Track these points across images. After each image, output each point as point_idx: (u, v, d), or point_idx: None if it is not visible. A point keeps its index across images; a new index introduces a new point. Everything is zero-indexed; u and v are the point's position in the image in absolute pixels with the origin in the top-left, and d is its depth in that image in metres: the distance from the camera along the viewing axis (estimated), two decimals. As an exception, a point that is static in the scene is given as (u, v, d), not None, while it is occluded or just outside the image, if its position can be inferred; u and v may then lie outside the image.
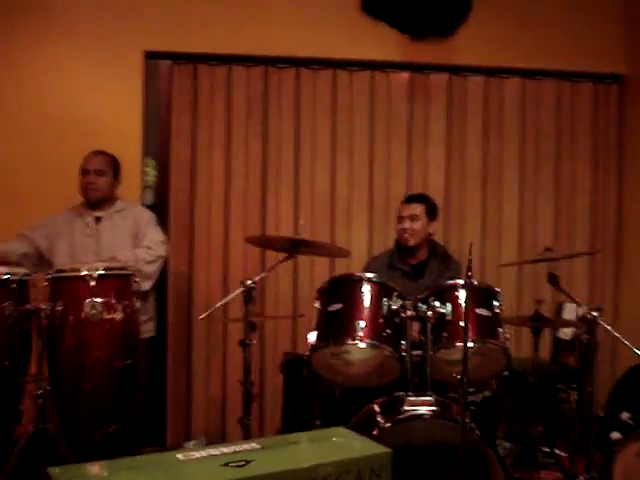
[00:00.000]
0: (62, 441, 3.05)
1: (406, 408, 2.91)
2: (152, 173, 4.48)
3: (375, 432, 2.82)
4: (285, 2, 4.24)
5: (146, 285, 3.57)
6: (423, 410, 2.86)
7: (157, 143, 4.40)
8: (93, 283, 3.04)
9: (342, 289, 3.10)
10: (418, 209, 3.73)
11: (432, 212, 3.78)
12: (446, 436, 2.82)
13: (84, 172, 3.72)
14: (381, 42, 4.25)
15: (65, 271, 3.11)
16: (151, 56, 4.19)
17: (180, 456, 2.31)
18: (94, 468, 2.23)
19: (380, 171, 4.38)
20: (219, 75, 4.26)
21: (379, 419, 2.90)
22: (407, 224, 3.70)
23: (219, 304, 3.05)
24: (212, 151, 4.27)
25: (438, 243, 3.91)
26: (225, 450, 2.37)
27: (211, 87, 4.26)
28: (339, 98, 4.35)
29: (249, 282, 2.98)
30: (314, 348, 3.04)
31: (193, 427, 4.23)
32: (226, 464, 2.22)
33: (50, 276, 3.10)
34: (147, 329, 3.69)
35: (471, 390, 3.12)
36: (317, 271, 4.24)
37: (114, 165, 3.79)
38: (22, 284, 3.14)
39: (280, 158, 4.32)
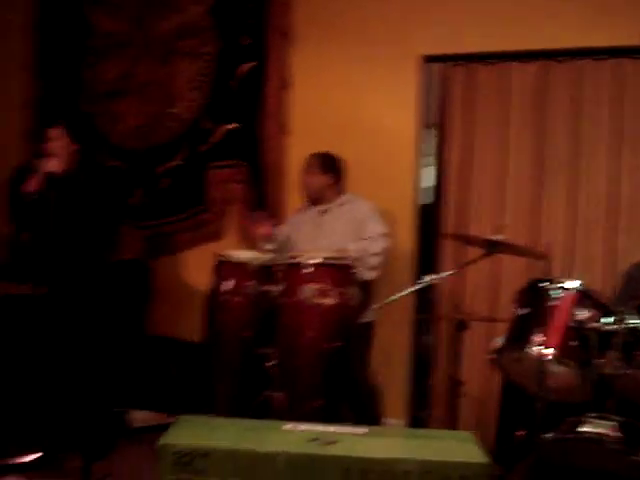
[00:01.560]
0: (284, 407, 3.46)
1: (581, 428, 2.67)
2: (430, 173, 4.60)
3: (540, 444, 2.66)
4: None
5: (370, 275, 3.77)
6: (596, 432, 2.60)
7: (433, 145, 4.51)
8: (311, 270, 3.40)
9: (534, 293, 2.95)
10: None
11: None
12: (614, 465, 2.53)
13: (303, 171, 4.08)
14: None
15: (291, 258, 3.52)
16: (428, 60, 4.34)
17: (287, 426, 2.54)
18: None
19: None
20: (494, 73, 4.22)
21: (550, 433, 2.71)
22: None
23: (394, 297, 3.13)
24: (486, 151, 4.26)
25: None
26: (329, 429, 2.52)
27: (486, 85, 4.25)
28: (627, 90, 3.97)
29: (428, 278, 3.02)
30: (499, 351, 2.96)
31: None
32: (314, 439, 2.38)
33: (283, 262, 3.55)
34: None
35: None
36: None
37: (323, 162, 4.04)
38: (264, 268, 3.64)
39: (557, 156, 4.11)
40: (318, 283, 3.37)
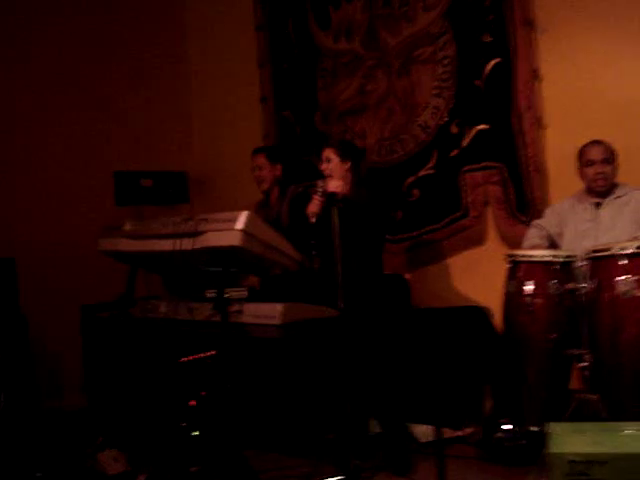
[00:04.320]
0: (605, 412, 3.27)
1: None
2: None
3: None
4: None
5: None
6: None
7: None
8: (626, 261, 3.20)
9: None
10: None
11: None
12: None
13: (590, 162, 3.80)
14: None
15: (600, 250, 3.33)
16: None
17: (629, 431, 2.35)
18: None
19: None
20: None
21: None
22: None
23: None
24: None
25: None
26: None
27: None
28: None
29: None
30: None
31: None
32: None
33: (587, 257, 3.37)
34: None
35: None
36: None
37: (614, 153, 3.81)
38: (565, 265, 3.48)
39: None
40: (635, 274, 3.17)
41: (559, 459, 2.15)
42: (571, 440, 2.25)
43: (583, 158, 3.85)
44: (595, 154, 3.80)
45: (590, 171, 3.81)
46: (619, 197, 3.83)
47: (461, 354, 3.91)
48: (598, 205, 3.85)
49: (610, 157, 3.80)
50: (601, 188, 3.81)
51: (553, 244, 3.97)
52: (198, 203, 5.71)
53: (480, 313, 3.48)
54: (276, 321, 3.37)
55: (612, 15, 4.21)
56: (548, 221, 4.05)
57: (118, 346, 3.97)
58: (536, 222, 4.11)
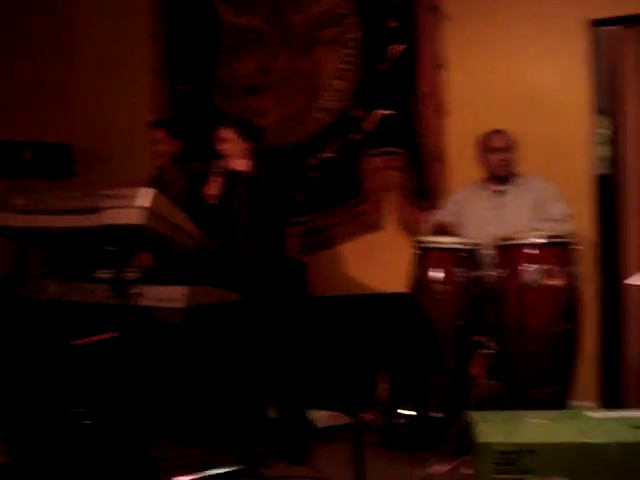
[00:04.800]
0: (506, 398, 3.32)
1: None
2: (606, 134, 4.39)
3: None
4: None
5: None
6: None
7: (606, 111, 4.31)
8: (535, 251, 3.26)
9: None
10: None
11: None
12: None
13: (492, 150, 3.87)
14: None
15: (508, 239, 3.38)
16: (597, 24, 4.14)
17: (594, 414, 2.40)
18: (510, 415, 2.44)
19: None
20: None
21: None
22: None
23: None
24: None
25: None
26: (629, 414, 2.38)
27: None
28: None
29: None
30: None
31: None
32: (637, 427, 2.24)
33: (494, 245, 3.41)
34: None
35: None
36: None
37: (514, 142, 3.90)
38: (471, 253, 3.50)
39: None
40: (544, 264, 3.23)
41: (488, 449, 2.13)
42: (495, 430, 2.24)
43: (486, 145, 3.90)
44: (498, 142, 3.87)
45: (493, 157, 3.87)
46: (522, 184, 3.90)
47: (360, 341, 3.91)
48: (501, 192, 3.90)
49: (512, 145, 3.88)
50: (503, 174, 3.87)
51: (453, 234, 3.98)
52: (84, 177, 5.38)
53: (404, 300, 3.50)
54: (180, 304, 3.20)
55: (516, 8, 4.30)
56: (447, 211, 4.09)
57: (2, 327, 3.67)
58: (435, 212, 4.14)
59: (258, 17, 4.91)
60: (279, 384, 3.93)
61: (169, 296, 3.23)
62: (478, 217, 3.91)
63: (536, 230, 3.38)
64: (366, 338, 3.71)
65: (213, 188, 3.78)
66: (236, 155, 3.87)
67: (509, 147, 3.87)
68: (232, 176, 3.70)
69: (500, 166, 3.87)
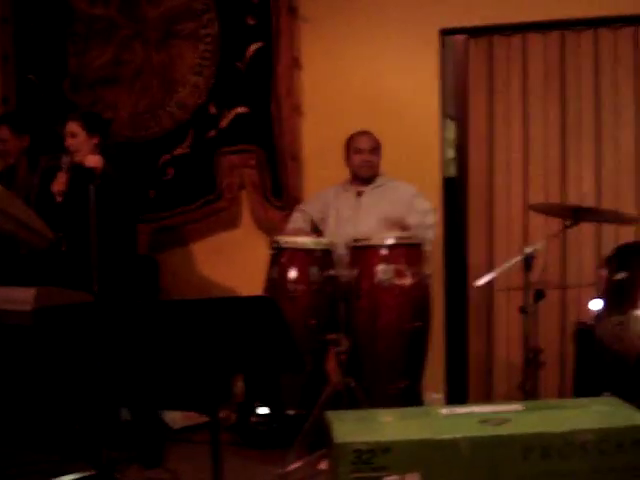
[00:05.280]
0: (360, 394, 3.42)
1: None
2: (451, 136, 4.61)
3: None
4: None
5: (428, 248, 3.69)
6: None
7: (455, 116, 4.53)
8: (385, 251, 3.36)
9: (629, 257, 3.04)
10: None
11: None
12: None
13: (358, 151, 3.94)
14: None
15: (361, 240, 3.47)
16: (447, 32, 4.34)
17: (444, 411, 2.50)
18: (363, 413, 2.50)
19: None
20: (515, 44, 4.26)
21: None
22: None
23: (497, 271, 3.15)
24: (510, 120, 4.30)
25: None
26: (487, 409, 2.50)
27: (507, 57, 4.28)
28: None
29: (528, 250, 3.05)
30: (597, 317, 3.03)
31: (494, 392, 4.37)
32: (484, 421, 2.35)
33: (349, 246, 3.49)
34: None
35: None
36: (604, 238, 4.10)
37: (379, 144, 3.99)
38: (326, 252, 3.57)
39: (580, 123, 4.21)
40: (393, 264, 3.34)
41: (344, 449, 2.17)
42: (351, 429, 2.29)
43: (352, 146, 3.97)
44: (364, 143, 3.94)
45: (357, 158, 3.94)
46: (379, 186, 3.99)
47: (216, 343, 3.88)
48: (361, 193, 3.98)
49: (377, 147, 3.97)
50: (366, 175, 3.95)
51: (316, 230, 4.04)
52: None
53: (262, 303, 3.50)
54: (27, 306, 3.05)
55: (374, 14, 4.41)
56: (312, 206, 4.13)
57: None
58: (300, 207, 4.17)
59: (112, 7, 4.74)
60: (131, 386, 3.84)
61: (16, 298, 3.08)
62: (337, 217, 3.99)
63: (389, 232, 3.49)
64: (222, 340, 3.71)
65: (59, 185, 3.62)
66: (84, 150, 3.72)
67: (373, 149, 3.94)
68: (79, 172, 3.56)
69: (363, 167, 3.95)
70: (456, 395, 4.39)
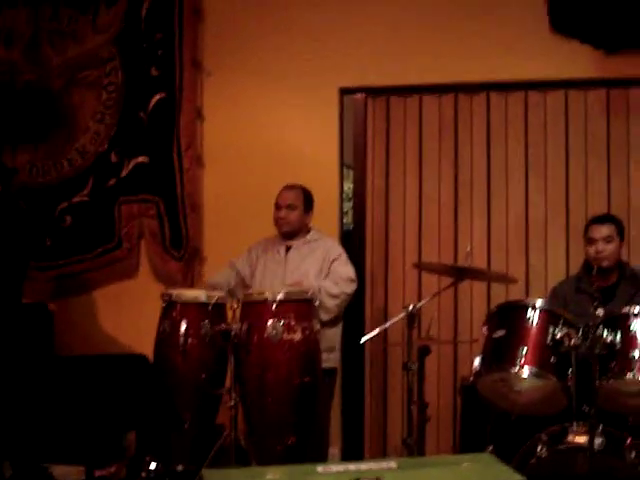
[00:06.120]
0: (250, 450, 3.40)
1: (569, 439, 2.88)
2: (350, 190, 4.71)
3: (533, 461, 2.83)
4: (475, 28, 4.28)
5: (324, 317, 3.71)
6: (585, 441, 2.80)
7: (353, 172, 4.62)
8: (274, 306, 3.37)
9: (508, 315, 3.14)
10: (611, 230, 3.61)
11: (622, 233, 3.64)
12: (609, 471, 2.74)
13: (277, 206, 3.94)
14: (574, 59, 4.14)
15: (251, 295, 3.49)
16: (346, 92, 4.46)
17: (320, 469, 2.50)
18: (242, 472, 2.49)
19: (577, 192, 4.25)
20: (411, 105, 4.42)
21: (539, 448, 2.89)
22: (601, 246, 3.59)
23: (381, 328, 3.21)
24: (405, 178, 4.44)
25: (627, 264, 3.73)
26: (362, 467, 2.51)
27: (404, 117, 4.44)
28: (531, 120, 4.32)
29: (411, 307, 3.11)
30: (478, 374, 3.11)
31: (389, 446, 4.40)
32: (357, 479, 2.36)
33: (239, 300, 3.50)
34: (327, 358, 3.73)
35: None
36: (494, 296, 4.24)
37: (305, 198, 3.97)
38: (218, 307, 3.56)
39: (472, 183, 4.38)
40: (283, 319, 3.35)
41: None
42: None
43: (276, 200, 3.96)
44: (281, 199, 3.95)
45: (274, 214, 3.96)
46: (309, 242, 3.98)
47: (107, 398, 3.81)
48: (288, 249, 3.97)
49: (295, 204, 3.93)
50: (282, 231, 3.96)
51: (243, 283, 4.01)
52: None
53: (138, 360, 3.45)
54: None
55: (277, 71, 4.49)
56: (242, 261, 4.07)
57: None
58: (232, 260, 4.10)
59: (16, 50, 4.70)
60: (14, 439, 3.72)
61: None
62: (264, 270, 3.98)
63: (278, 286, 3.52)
64: (105, 397, 3.65)
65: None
66: None
67: (289, 205, 3.92)
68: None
69: (277, 223, 3.97)
70: (352, 449, 4.41)
